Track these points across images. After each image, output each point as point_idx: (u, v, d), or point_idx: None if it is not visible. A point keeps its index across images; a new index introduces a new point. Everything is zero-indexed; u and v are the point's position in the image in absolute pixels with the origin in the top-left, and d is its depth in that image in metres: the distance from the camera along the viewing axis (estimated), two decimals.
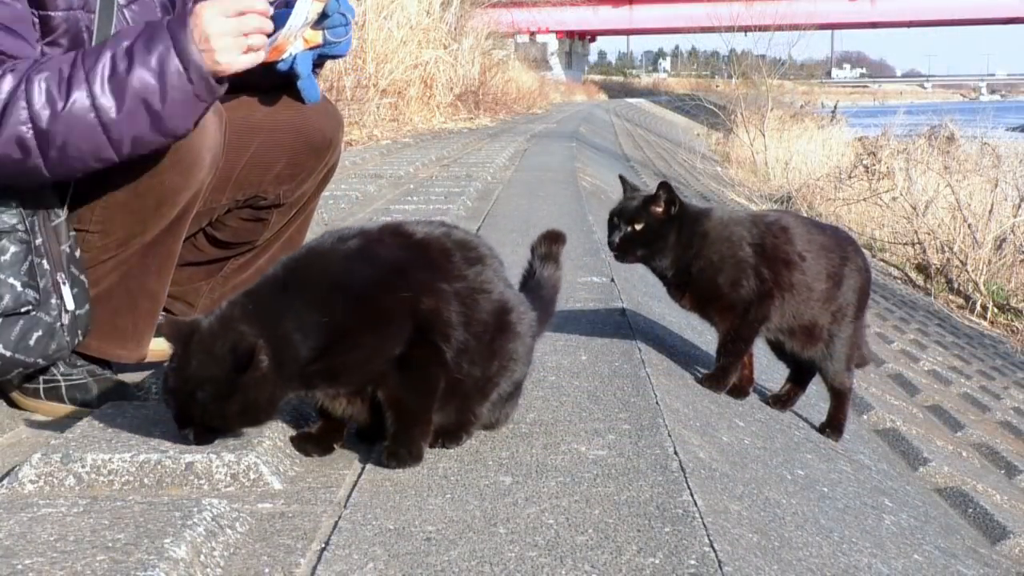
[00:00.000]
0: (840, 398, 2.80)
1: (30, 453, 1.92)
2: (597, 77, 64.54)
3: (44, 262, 2.14)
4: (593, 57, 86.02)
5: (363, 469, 1.91)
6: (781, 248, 2.65)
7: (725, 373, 2.72)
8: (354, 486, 1.84)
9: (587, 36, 63.94)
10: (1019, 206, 11.26)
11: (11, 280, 2.10)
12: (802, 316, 2.68)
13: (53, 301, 2.16)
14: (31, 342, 2.14)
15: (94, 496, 1.76)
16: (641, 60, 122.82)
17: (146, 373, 2.51)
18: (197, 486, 1.84)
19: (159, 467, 1.85)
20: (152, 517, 1.60)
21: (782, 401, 2.87)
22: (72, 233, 2.23)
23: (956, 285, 10.44)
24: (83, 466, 1.84)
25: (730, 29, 25.91)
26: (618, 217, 2.65)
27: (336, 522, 1.69)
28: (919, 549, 2.21)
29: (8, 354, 2.12)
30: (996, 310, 9.70)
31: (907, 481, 2.88)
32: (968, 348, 7.41)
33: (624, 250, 2.65)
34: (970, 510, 2.78)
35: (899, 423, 3.44)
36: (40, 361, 2.18)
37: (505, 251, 2.19)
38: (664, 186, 2.62)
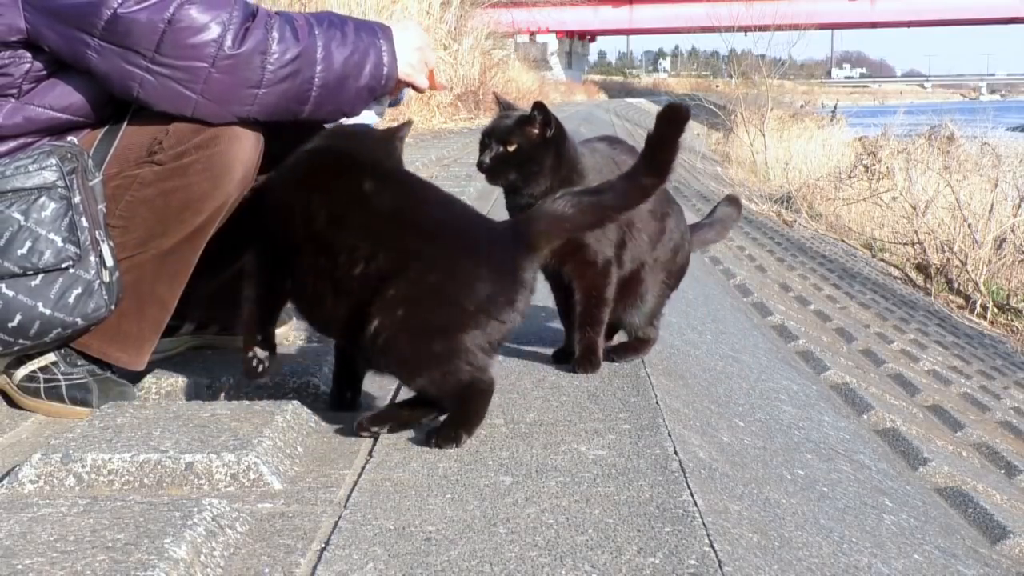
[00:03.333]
0: (643, 344, 2.64)
1: (30, 453, 1.93)
2: (597, 77, 64.52)
3: (83, 219, 2.17)
4: (593, 57, 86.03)
5: (363, 469, 1.92)
6: None
7: (594, 348, 2.50)
8: (354, 486, 1.84)
9: (587, 36, 63.92)
10: (1019, 206, 11.25)
11: (51, 235, 2.14)
12: (633, 262, 2.54)
13: (92, 258, 2.18)
14: (70, 299, 2.17)
15: (94, 496, 1.76)
16: (641, 60, 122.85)
17: (146, 373, 2.51)
18: (197, 486, 1.84)
19: (159, 467, 1.85)
20: (152, 517, 1.60)
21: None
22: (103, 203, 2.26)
23: (956, 285, 10.44)
24: (83, 466, 1.85)
25: (730, 29, 25.89)
26: (489, 136, 2.47)
27: (336, 522, 1.69)
28: (919, 549, 2.21)
29: (48, 312, 2.15)
30: (996, 310, 9.69)
31: (907, 481, 2.88)
32: (968, 348, 7.41)
33: (496, 172, 2.47)
34: (970, 510, 2.78)
35: (899, 423, 3.44)
36: (79, 321, 2.19)
37: None
38: (539, 106, 2.44)
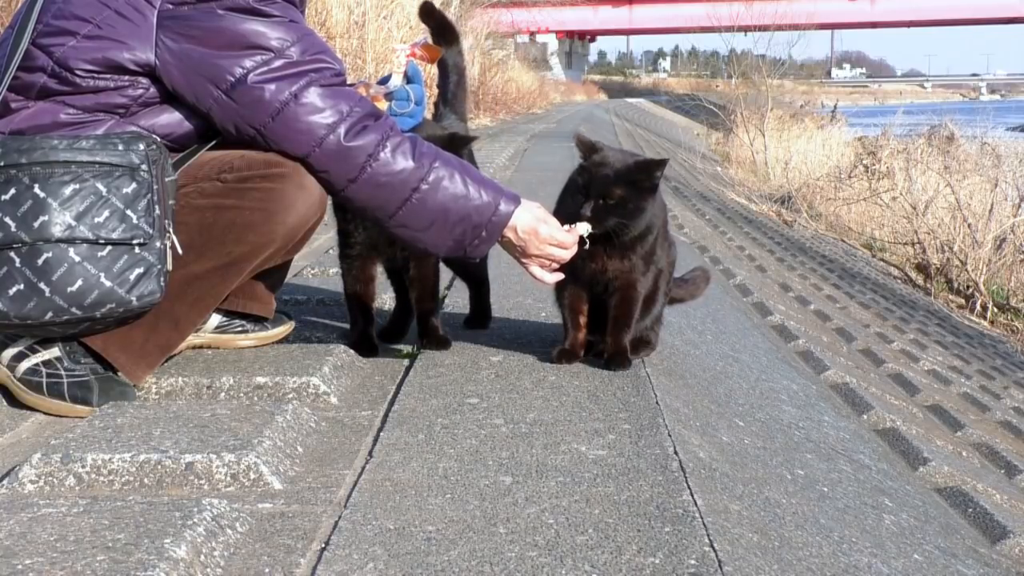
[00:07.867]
0: (644, 344, 2.71)
1: (30, 453, 1.93)
2: (597, 77, 64.55)
3: (157, 207, 2.24)
4: (593, 57, 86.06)
5: (363, 469, 1.92)
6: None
7: (626, 349, 2.59)
8: (354, 486, 1.84)
9: (587, 36, 63.95)
10: (1019, 206, 11.26)
11: (128, 211, 2.21)
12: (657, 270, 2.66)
13: (158, 244, 2.24)
14: (131, 277, 2.21)
15: (94, 496, 1.76)
16: (641, 60, 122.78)
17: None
18: (197, 486, 1.84)
19: (159, 467, 1.85)
20: (152, 517, 1.60)
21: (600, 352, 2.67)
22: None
23: (956, 285, 10.44)
24: (83, 466, 1.85)
25: (730, 29, 25.88)
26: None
27: (336, 522, 1.69)
28: (919, 549, 2.21)
29: (108, 284, 2.20)
30: (996, 310, 9.70)
31: (907, 481, 2.88)
32: (968, 348, 7.41)
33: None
34: (970, 510, 2.78)
35: (899, 423, 3.43)
36: (133, 300, 2.22)
37: None
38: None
